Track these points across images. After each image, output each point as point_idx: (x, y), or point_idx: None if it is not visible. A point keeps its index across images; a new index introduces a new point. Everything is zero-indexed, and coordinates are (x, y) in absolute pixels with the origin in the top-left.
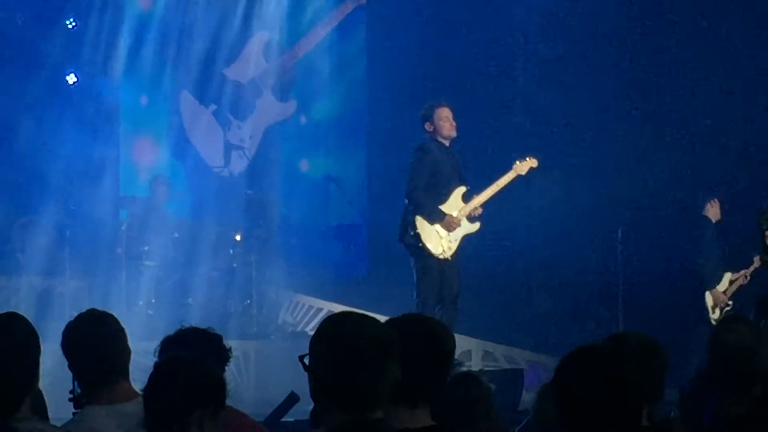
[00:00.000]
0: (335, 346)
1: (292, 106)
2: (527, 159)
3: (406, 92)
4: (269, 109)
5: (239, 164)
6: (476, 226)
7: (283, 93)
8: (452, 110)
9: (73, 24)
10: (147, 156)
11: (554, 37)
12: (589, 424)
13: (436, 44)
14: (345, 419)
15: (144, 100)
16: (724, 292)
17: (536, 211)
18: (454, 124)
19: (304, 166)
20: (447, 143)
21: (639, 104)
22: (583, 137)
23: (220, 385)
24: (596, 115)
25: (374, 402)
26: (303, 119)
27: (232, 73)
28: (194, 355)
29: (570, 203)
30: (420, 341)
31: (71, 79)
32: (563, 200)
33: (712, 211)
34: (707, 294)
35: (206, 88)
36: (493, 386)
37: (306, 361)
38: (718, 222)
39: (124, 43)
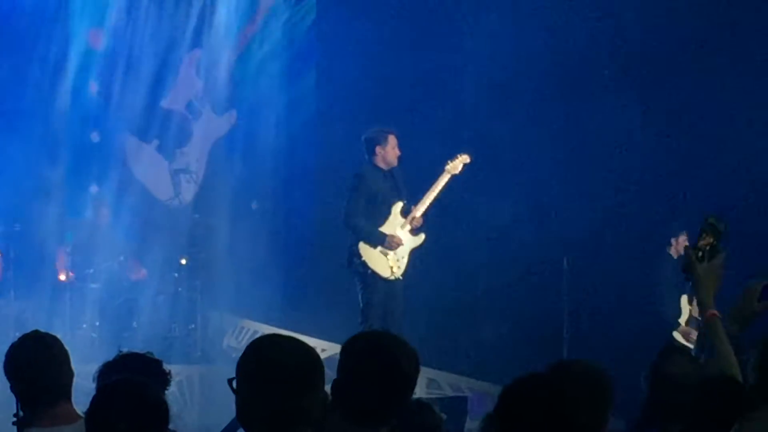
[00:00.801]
0: (256, 369)
1: (232, 116)
2: (458, 157)
3: (355, 109)
4: (210, 127)
5: (189, 190)
6: (421, 238)
7: (221, 105)
8: (398, 137)
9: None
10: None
11: (503, 61)
12: None
13: (383, 64)
14: None
15: (95, 136)
16: (687, 322)
17: (482, 238)
18: (399, 153)
19: (253, 206)
20: (385, 167)
21: (588, 132)
22: (531, 165)
23: (164, 408)
24: (545, 143)
25: (297, 425)
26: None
27: (169, 102)
28: (137, 378)
29: (516, 231)
30: (377, 361)
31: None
32: (509, 228)
33: (677, 248)
34: (675, 334)
35: (147, 125)
36: (444, 416)
37: (234, 384)
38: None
39: (69, 70)
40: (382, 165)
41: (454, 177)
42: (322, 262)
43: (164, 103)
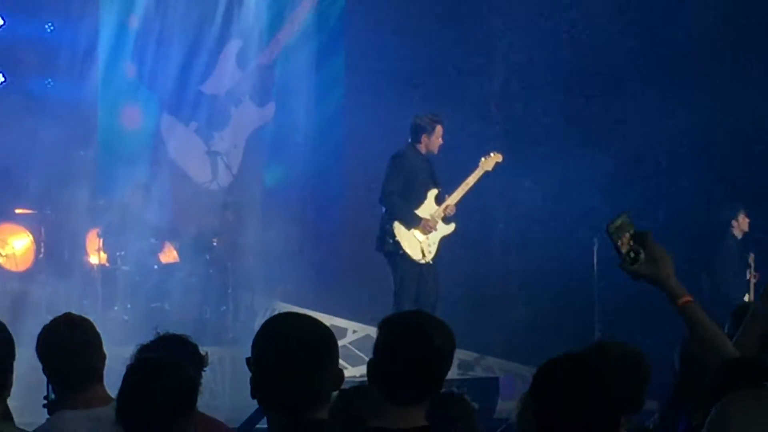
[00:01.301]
0: (268, 347)
1: (271, 108)
2: (491, 155)
3: (384, 96)
4: (249, 116)
5: (227, 176)
6: (451, 227)
7: (261, 97)
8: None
9: (52, 28)
10: (122, 170)
11: (533, 38)
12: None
13: (413, 43)
14: (284, 422)
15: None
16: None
17: (512, 219)
18: (441, 142)
19: (280, 174)
20: (425, 153)
21: (619, 111)
22: (562, 144)
23: (193, 387)
24: (575, 121)
25: (311, 403)
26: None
27: (208, 87)
28: (167, 358)
29: (547, 211)
30: (411, 338)
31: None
32: (540, 208)
33: (740, 227)
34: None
35: (185, 107)
36: (476, 405)
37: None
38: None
39: (100, 53)
40: (422, 150)
41: (486, 173)
42: (354, 244)
43: (204, 88)
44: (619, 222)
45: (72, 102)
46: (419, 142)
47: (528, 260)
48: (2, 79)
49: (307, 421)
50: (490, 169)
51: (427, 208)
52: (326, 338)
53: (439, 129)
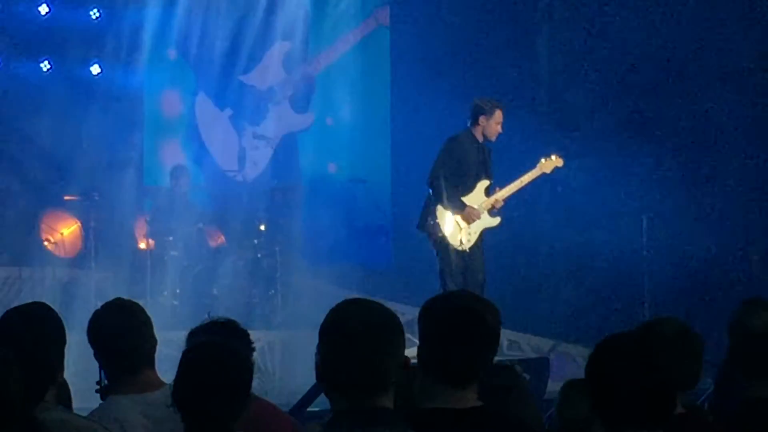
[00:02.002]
0: (334, 333)
1: (309, 117)
2: (552, 157)
3: (428, 89)
4: (286, 118)
5: (253, 170)
6: (496, 220)
7: (301, 104)
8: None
9: (98, 15)
10: (168, 156)
11: (579, 28)
12: (622, 411)
13: (459, 44)
14: (346, 406)
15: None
16: None
17: (560, 200)
18: (500, 130)
19: (331, 168)
20: (481, 139)
21: (665, 93)
22: (608, 125)
23: (249, 370)
24: (622, 104)
25: (377, 389)
26: (329, 121)
27: (250, 79)
28: (222, 342)
29: (594, 191)
30: (461, 319)
31: (95, 69)
32: (588, 188)
33: None
34: None
35: (223, 93)
36: (527, 377)
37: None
38: None
39: (145, 39)
40: (478, 136)
41: (543, 174)
42: (400, 226)
43: (245, 79)
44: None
45: (118, 88)
46: (477, 124)
47: (575, 240)
48: (48, 67)
49: (371, 408)
50: (548, 171)
51: (475, 198)
52: (392, 325)
53: (498, 114)
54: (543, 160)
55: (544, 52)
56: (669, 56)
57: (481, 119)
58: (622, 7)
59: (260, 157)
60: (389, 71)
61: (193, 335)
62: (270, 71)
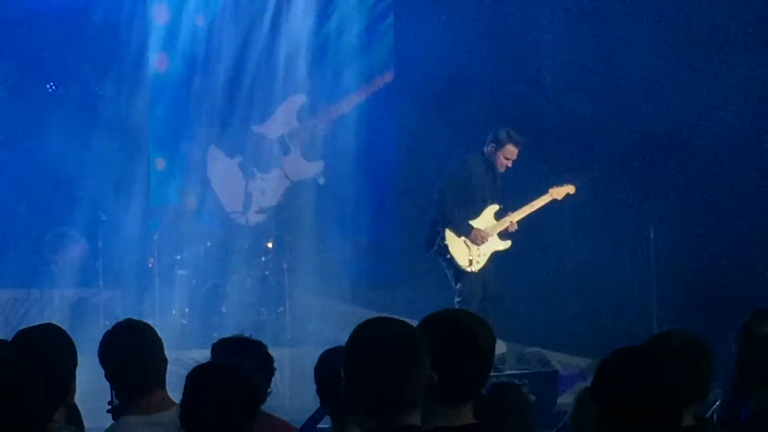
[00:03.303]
0: (360, 351)
1: (319, 165)
2: (564, 185)
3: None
4: (296, 166)
5: (257, 216)
6: (507, 243)
7: (311, 153)
8: (520, 153)
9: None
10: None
11: (581, 40)
12: (628, 424)
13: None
14: (374, 425)
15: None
16: None
17: (567, 212)
18: (510, 166)
19: (320, 181)
20: (491, 163)
21: (668, 102)
22: (612, 139)
23: (257, 389)
24: (627, 114)
25: (403, 407)
26: (321, 181)
27: (261, 129)
28: (230, 361)
29: (602, 203)
30: (454, 337)
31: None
32: (595, 200)
33: None
34: None
35: (234, 141)
36: (533, 397)
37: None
38: None
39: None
40: (490, 160)
41: (554, 200)
42: (408, 242)
43: (256, 128)
44: None
45: (124, 109)
46: (488, 150)
47: (583, 252)
48: (55, 87)
49: (397, 426)
50: (559, 198)
51: (483, 221)
52: (418, 343)
53: (508, 148)
54: (555, 187)
55: (549, 66)
56: (674, 66)
57: (491, 147)
58: (626, 19)
59: (265, 202)
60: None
61: (215, 351)
62: (282, 121)
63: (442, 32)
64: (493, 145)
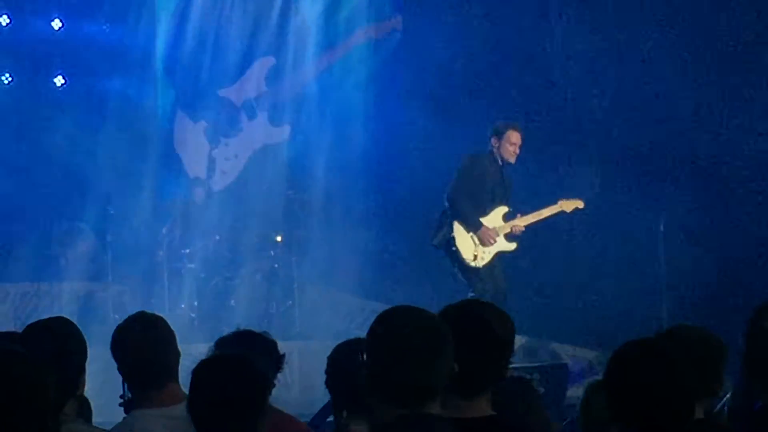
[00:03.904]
0: (384, 342)
1: (285, 130)
2: (573, 199)
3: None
4: (261, 131)
5: (221, 180)
6: (512, 245)
7: (277, 117)
8: (523, 137)
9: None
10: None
11: (592, 32)
12: (639, 417)
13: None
14: (397, 415)
15: None
16: None
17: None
18: (518, 152)
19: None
20: (501, 162)
21: (682, 94)
22: (623, 129)
23: (264, 381)
24: (635, 105)
25: (427, 396)
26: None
27: (227, 93)
28: (237, 353)
29: (611, 195)
30: (472, 327)
31: (111, 84)
32: (604, 193)
33: None
34: None
35: (199, 105)
36: (542, 389)
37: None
38: None
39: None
40: (498, 159)
41: (562, 212)
42: (416, 235)
43: (222, 92)
44: None
45: (132, 102)
46: (492, 146)
47: (593, 245)
48: (63, 82)
49: (419, 415)
50: (568, 210)
51: (492, 221)
52: (443, 332)
53: (510, 134)
54: (564, 200)
55: (559, 59)
56: (683, 61)
57: (494, 141)
58: (635, 13)
59: (230, 168)
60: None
61: (219, 345)
62: (250, 85)
63: (451, 27)
64: (495, 137)
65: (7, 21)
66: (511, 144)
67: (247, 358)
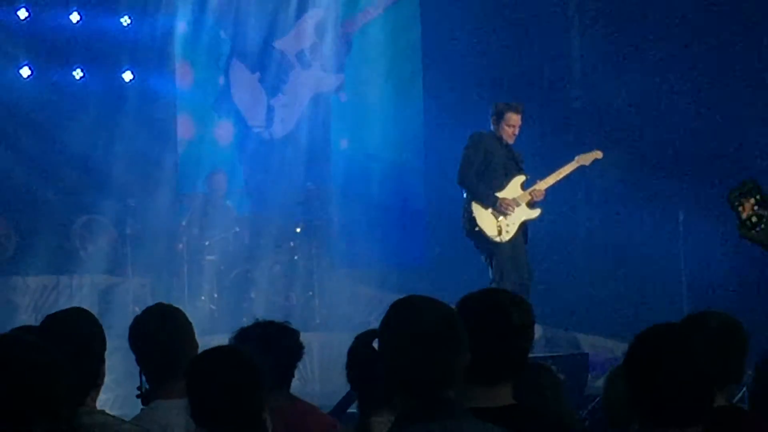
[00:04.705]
0: (402, 332)
1: (339, 78)
2: (591, 152)
3: (462, 74)
4: (316, 80)
5: (280, 128)
6: (536, 212)
7: (332, 66)
8: (523, 116)
9: (129, 22)
10: (188, 131)
11: (610, 22)
12: (658, 402)
13: (493, 31)
14: (415, 402)
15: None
16: None
17: (596, 194)
18: (516, 132)
19: (343, 144)
20: (504, 141)
21: (700, 84)
22: (642, 119)
23: (251, 370)
24: (657, 97)
25: (445, 384)
26: (343, 97)
27: (281, 44)
28: (232, 345)
29: (631, 186)
30: (490, 316)
31: (128, 76)
32: (624, 182)
33: None
34: None
35: (255, 57)
36: (563, 376)
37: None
38: None
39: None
40: (500, 137)
41: (581, 166)
42: (437, 225)
43: (276, 44)
44: (745, 188)
45: (151, 95)
46: (491, 124)
47: (613, 235)
48: (81, 75)
49: (438, 401)
50: (587, 163)
51: (510, 192)
52: (459, 321)
53: (509, 116)
54: (581, 155)
55: (577, 47)
56: (700, 51)
57: (493, 121)
58: (659, 12)
59: (288, 116)
60: (420, 43)
61: (238, 337)
62: (302, 37)
63: (471, 18)
64: (494, 117)
65: (26, 14)
66: (509, 126)
67: (233, 348)
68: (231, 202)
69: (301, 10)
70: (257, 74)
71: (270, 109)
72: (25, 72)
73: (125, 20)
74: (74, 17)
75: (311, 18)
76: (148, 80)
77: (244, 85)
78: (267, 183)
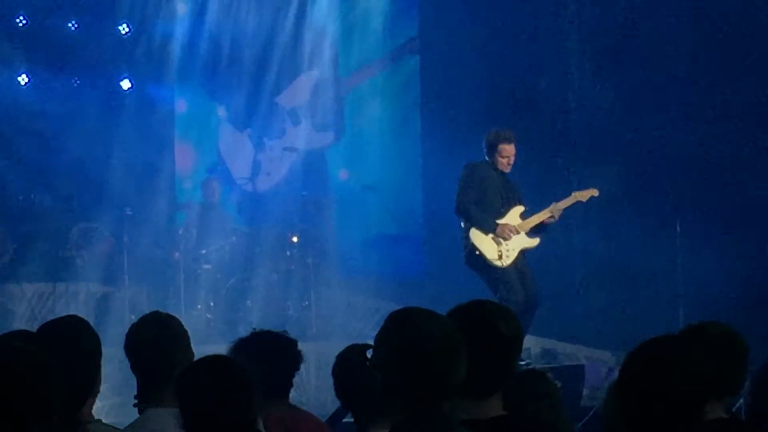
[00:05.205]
0: (401, 344)
1: (329, 136)
2: (588, 189)
3: (460, 103)
4: (306, 137)
5: (265, 182)
6: (535, 241)
7: (323, 124)
8: (516, 143)
9: (127, 30)
10: (186, 163)
11: (608, 32)
12: (647, 416)
13: (490, 60)
14: (411, 414)
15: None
16: None
17: (592, 204)
18: (511, 162)
19: (342, 175)
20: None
21: (697, 97)
22: (640, 130)
23: (248, 384)
24: (653, 109)
25: (443, 397)
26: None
27: (280, 99)
28: (223, 356)
29: (628, 196)
30: (477, 327)
31: (126, 84)
32: (621, 194)
33: None
34: None
35: (246, 111)
36: (559, 383)
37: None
38: None
39: (175, 51)
40: (495, 165)
41: (578, 202)
42: (432, 237)
43: (277, 99)
44: None
45: (149, 103)
46: (486, 156)
47: (610, 246)
48: (78, 82)
49: (433, 413)
50: (584, 200)
51: (509, 221)
52: (457, 333)
53: (502, 148)
54: (578, 191)
55: (575, 57)
56: (701, 54)
57: (487, 152)
58: (651, 8)
59: (274, 169)
60: (419, 93)
61: (237, 348)
62: (296, 95)
63: (466, 24)
64: (487, 149)
65: (25, 22)
66: (503, 157)
67: (227, 358)
68: (228, 212)
69: (297, 64)
70: (248, 130)
71: (256, 164)
72: (24, 80)
73: (123, 28)
74: (72, 25)
75: (307, 79)
76: (147, 88)
77: (231, 137)
78: (265, 194)
